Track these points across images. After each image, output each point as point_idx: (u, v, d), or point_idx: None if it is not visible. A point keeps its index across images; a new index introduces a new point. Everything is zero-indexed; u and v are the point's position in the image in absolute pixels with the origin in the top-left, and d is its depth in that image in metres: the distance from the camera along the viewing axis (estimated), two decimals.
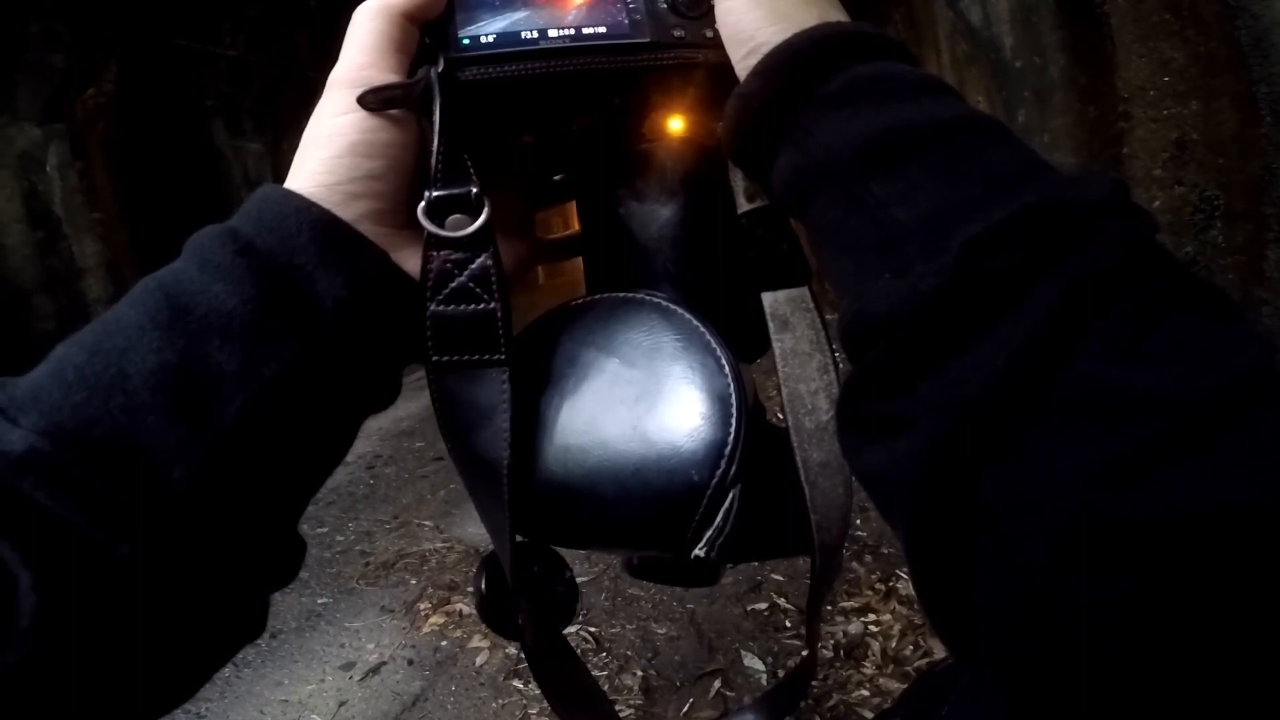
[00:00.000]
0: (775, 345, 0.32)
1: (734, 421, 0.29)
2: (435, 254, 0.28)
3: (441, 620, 1.53)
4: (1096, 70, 1.60)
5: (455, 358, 0.29)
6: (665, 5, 0.30)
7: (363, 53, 0.28)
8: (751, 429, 0.29)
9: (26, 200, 2.76)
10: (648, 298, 0.32)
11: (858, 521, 1.62)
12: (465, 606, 1.56)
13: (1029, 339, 0.19)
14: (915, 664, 1.22)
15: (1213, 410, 0.17)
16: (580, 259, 0.39)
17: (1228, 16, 1.20)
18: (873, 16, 2.80)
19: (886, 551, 1.50)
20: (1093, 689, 0.18)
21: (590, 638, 1.39)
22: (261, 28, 3.68)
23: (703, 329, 0.31)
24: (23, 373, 0.24)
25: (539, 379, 0.31)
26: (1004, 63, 1.91)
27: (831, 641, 1.28)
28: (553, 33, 0.29)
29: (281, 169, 0.28)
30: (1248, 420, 0.17)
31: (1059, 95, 1.76)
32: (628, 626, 1.42)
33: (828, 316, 0.31)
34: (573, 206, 0.40)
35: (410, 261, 0.29)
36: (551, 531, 0.32)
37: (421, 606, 1.59)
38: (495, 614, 0.38)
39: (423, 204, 0.28)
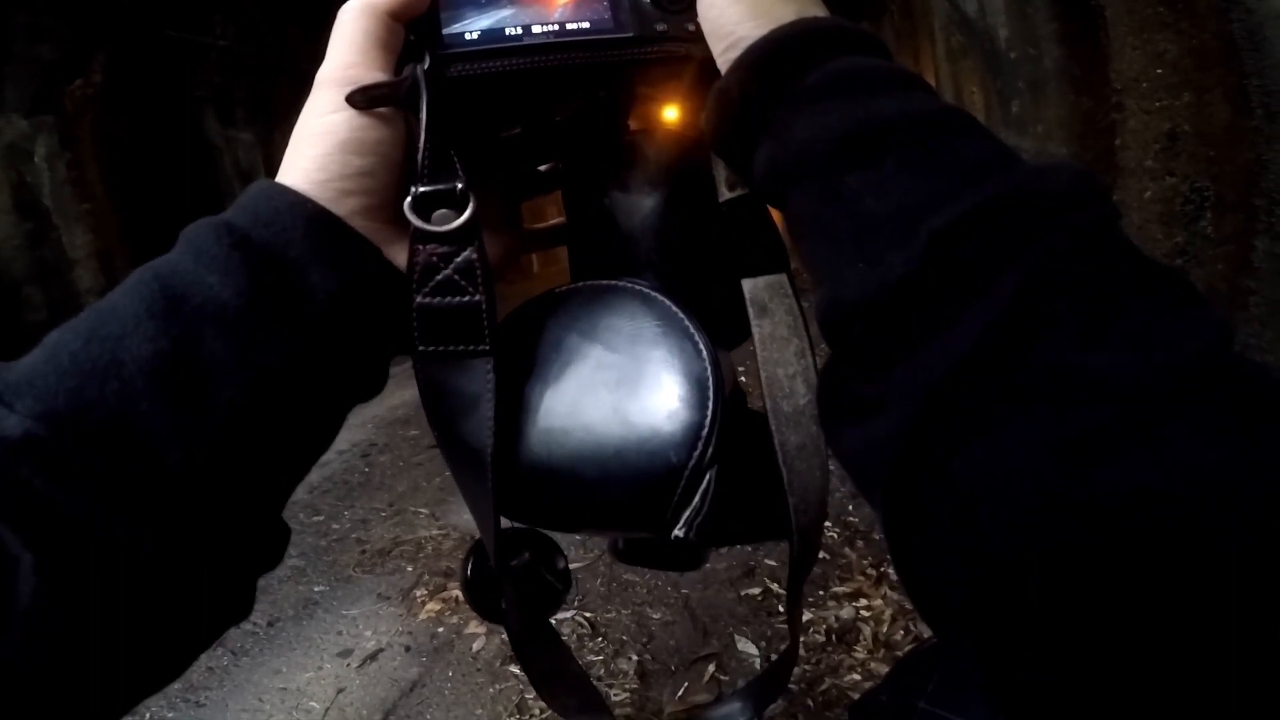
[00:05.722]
0: (754, 330, 0.32)
1: (710, 405, 0.30)
2: (421, 248, 0.29)
3: (438, 607, 1.54)
4: (1090, 62, 1.60)
5: (441, 348, 0.30)
6: (648, 0, 0.30)
7: (349, 51, 0.28)
8: (728, 412, 0.30)
9: (15, 192, 2.74)
10: (629, 285, 0.33)
11: (849, 507, 1.63)
12: (461, 593, 1.56)
13: (994, 324, 0.20)
14: (906, 648, 1.23)
15: (1170, 392, 0.18)
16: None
17: (1221, 10, 1.20)
18: (868, 8, 2.79)
19: (878, 538, 1.51)
20: (1061, 663, 0.19)
21: (586, 623, 1.40)
22: (253, 19, 3.65)
23: (682, 315, 0.31)
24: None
25: (523, 364, 0.32)
26: (998, 54, 1.90)
27: (824, 626, 1.29)
28: (537, 29, 0.30)
29: (273, 159, 0.29)
30: (1204, 402, 0.18)
31: (1053, 86, 1.76)
32: (623, 611, 1.44)
33: (804, 303, 0.32)
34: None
35: (400, 256, 0.29)
36: (535, 514, 0.33)
37: (418, 593, 1.60)
38: (480, 598, 0.39)
39: (409, 199, 0.29)
